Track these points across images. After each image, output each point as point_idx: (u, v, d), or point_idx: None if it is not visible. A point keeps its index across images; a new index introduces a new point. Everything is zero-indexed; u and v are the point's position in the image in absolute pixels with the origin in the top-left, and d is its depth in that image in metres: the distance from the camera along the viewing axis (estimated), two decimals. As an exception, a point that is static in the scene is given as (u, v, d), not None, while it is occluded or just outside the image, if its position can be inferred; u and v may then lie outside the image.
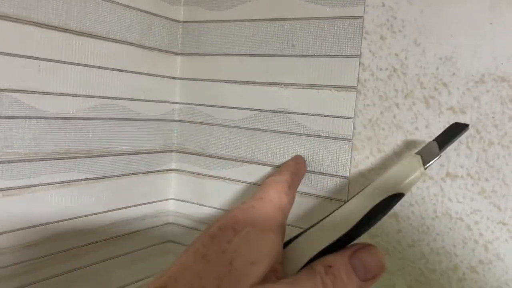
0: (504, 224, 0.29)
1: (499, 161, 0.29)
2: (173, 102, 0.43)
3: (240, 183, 0.40)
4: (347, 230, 0.25)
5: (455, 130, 0.27)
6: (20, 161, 0.30)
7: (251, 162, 0.39)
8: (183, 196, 0.43)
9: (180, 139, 0.43)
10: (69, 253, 0.34)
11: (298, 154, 0.37)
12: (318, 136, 0.36)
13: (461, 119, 0.30)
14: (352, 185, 0.34)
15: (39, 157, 0.31)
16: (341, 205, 0.26)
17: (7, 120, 0.29)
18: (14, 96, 0.29)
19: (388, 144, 0.33)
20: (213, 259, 0.23)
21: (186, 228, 0.43)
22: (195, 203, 0.43)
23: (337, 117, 0.35)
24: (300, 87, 0.36)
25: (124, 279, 0.40)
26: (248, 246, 0.23)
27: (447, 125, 0.30)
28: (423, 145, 0.28)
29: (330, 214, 0.26)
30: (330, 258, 0.24)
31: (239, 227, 0.24)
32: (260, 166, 0.39)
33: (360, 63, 0.34)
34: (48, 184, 0.32)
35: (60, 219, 0.33)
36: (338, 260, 0.24)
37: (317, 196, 0.36)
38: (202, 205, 0.42)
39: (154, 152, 0.41)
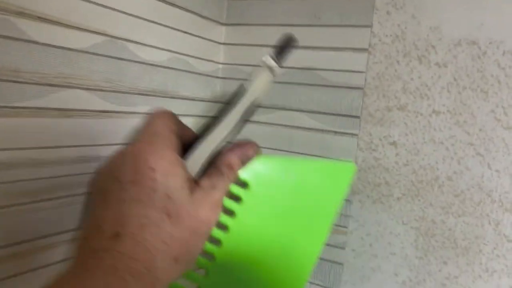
0: (471, 144, 0.42)
1: (469, 100, 0.42)
2: (218, 62, 0.54)
3: (272, 125, 0.51)
4: (228, 134, 0.32)
5: (288, 43, 0.33)
6: (127, 92, 0.41)
7: (283, 109, 0.51)
8: (224, 138, 0.55)
9: (223, 92, 0.54)
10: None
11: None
12: (337, 86, 0.48)
13: (444, 71, 0.43)
14: (362, 122, 0.47)
15: (137, 92, 0.42)
16: (218, 119, 0.32)
17: (119, 61, 0.40)
18: (124, 44, 0.40)
19: (391, 91, 0.45)
20: (149, 200, 0.27)
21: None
22: (234, 143, 0.54)
23: (353, 71, 0.47)
24: (325, 50, 0.48)
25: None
26: (171, 177, 0.28)
27: (434, 76, 0.43)
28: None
29: (214, 127, 0.32)
30: (228, 159, 0.31)
31: (155, 165, 0.28)
32: (289, 112, 0.50)
33: (371, 31, 0.46)
34: (141, 113, 0.43)
35: (146, 141, 0.44)
36: (233, 158, 0.32)
37: (335, 132, 0.48)
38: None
39: (204, 101, 0.52)
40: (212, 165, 0.32)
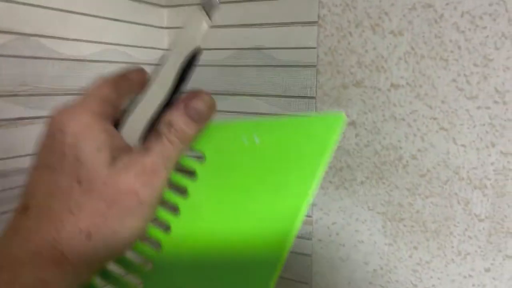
0: (434, 119, 0.38)
1: (429, 70, 0.38)
2: (163, 49, 0.50)
3: (227, 113, 0.47)
4: (167, 93, 0.28)
5: None
6: (48, 94, 0.37)
7: (234, 94, 0.47)
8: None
9: (172, 80, 0.50)
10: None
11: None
12: (288, 65, 0.43)
13: (400, 40, 0.38)
14: (318, 103, 0.43)
15: (62, 92, 0.38)
16: (154, 74, 0.29)
17: (35, 60, 0.36)
18: (39, 40, 0.36)
19: (345, 67, 0.41)
20: (59, 165, 0.24)
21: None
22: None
23: (303, 48, 0.42)
24: (272, 26, 0.44)
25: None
26: (83, 139, 0.25)
27: (390, 46, 0.39)
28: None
29: (148, 89, 0.29)
30: (168, 117, 0.27)
31: (65, 127, 0.25)
32: (243, 97, 0.46)
33: (319, 1, 0.41)
34: (70, 115, 0.39)
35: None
36: (175, 115, 0.26)
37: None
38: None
39: (151, 92, 0.48)
40: (153, 128, 0.27)
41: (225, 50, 0.46)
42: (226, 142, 0.27)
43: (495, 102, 0.35)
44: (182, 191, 0.27)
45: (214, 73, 0.47)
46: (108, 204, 0.24)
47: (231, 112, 0.47)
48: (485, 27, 0.35)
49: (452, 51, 0.37)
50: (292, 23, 0.43)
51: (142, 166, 0.25)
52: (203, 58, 0.47)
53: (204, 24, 0.28)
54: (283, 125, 0.26)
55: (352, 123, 0.41)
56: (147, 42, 0.47)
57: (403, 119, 0.39)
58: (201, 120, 0.27)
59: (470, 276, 0.38)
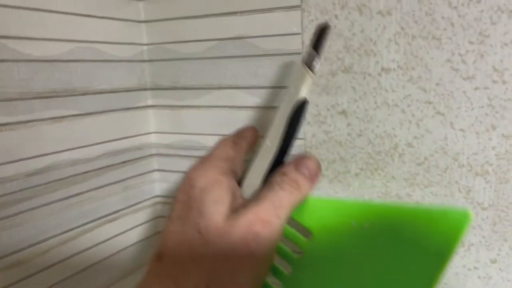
0: (430, 103, 0.35)
1: (421, 51, 0.35)
2: (141, 44, 0.47)
3: (212, 108, 0.45)
4: (278, 147, 0.30)
5: (323, 32, 0.31)
6: (15, 99, 0.35)
7: (219, 88, 0.44)
8: (163, 129, 0.48)
9: (152, 77, 0.48)
10: (67, 181, 0.39)
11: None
12: (273, 54, 0.41)
13: (388, 21, 0.36)
14: (306, 93, 0.40)
15: (31, 96, 0.36)
16: (268, 130, 0.32)
17: (-3, 63, 0.33)
18: (1, 42, 0.33)
19: (332, 52, 0.38)
20: (186, 216, 0.27)
21: (168, 157, 0.49)
22: (174, 133, 0.48)
23: (287, 34, 0.40)
24: (252, 13, 0.41)
25: (116, 205, 0.45)
26: (207, 192, 0.28)
27: (378, 28, 0.36)
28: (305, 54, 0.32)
29: (262, 143, 0.32)
30: (281, 170, 0.30)
31: (195, 182, 0.29)
32: (226, 90, 0.44)
33: (301, -16, 0.39)
34: (42, 119, 0.37)
35: (56, 150, 0.38)
36: (287, 168, 0.30)
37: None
38: (181, 133, 0.47)
39: (130, 91, 0.46)
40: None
41: (205, 41, 0.44)
42: (334, 222, 0.27)
43: (494, 81, 0.33)
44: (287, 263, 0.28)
45: (195, 66, 0.45)
46: (222, 258, 0.25)
47: (215, 107, 0.45)
48: (479, 1, 0.32)
49: (445, 29, 0.34)
50: (274, 9, 0.40)
51: (255, 215, 0.26)
52: (182, 51, 0.44)
53: (308, 78, 0.30)
54: (396, 211, 0.25)
55: (342, 112, 0.39)
56: (123, 37, 0.45)
57: (397, 105, 0.37)
58: (311, 176, 0.30)
59: (475, 268, 0.36)
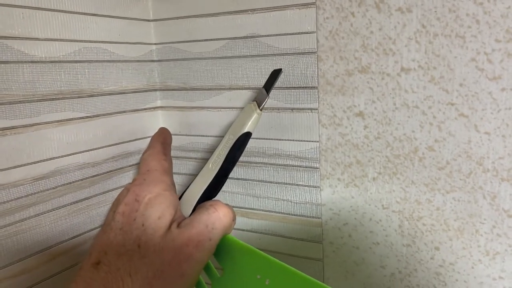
0: (452, 104, 0.34)
1: (443, 50, 0.33)
2: (150, 43, 0.46)
3: (222, 109, 0.44)
4: (217, 171, 0.34)
5: (274, 75, 0.36)
6: (19, 102, 0.33)
7: (230, 88, 0.43)
8: (172, 130, 0.47)
9: (161, 77, 0.46)
10: (75, 185, 0.38)
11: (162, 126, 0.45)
12: (286, 54, 0.39)
13: (408, 18, 0.34)
14: (321, 93, 0.38)
15: (36, 98, 0.35)
16: (212, 154, 0.35)
17: (1, 65, 0.32)
18: (4, 43, 0.32)
19: (349, 51, 0.37)
20: (128, 228, 0.28)
21: (178, 159, 0.47)
22: (184, 135, 0.46)
23: (301, 33, 0.38)
24: (265, 10, 0.39)
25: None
26: (151, 208, 0.29)
27: (398, 25, 0.34)
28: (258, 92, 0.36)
29: (205, 164, 0.35)
30: (211, 202, 0.33)
31: (140, 197, 0.30)
32: (238, 91, 0.42)
33: (316, -20, 0.37)
34: (48, 122, 0.35)
35: (63, 154, 0.37)
36: (216, 201, 0.33)
37: (292, 109, 0.40)
38: (191, 135, 0.46)
39: (139, 92, 0.44)
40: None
41: (215, 40, 0.42)
42: (243, 267, 0.29)
43: (522, 82, 0.31)
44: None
45: (205, 66, 0.43)
46: (156, 274, 0.26)
47: (226, 108, 0.43)
48: (507, -3, 0.31)
49: (469, 27, 0.32)
50: (288, 6, 0.38)
51: (188, 236, 0.28)
52: (192, 51, 0.43)
53: (256, 115, 0.35)
54: (294, 276, 0.26)
55: (359, 114, 0.37)
56: (131, 37, 0.43)
57: (417, 107, 0.35)
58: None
59: (500, 278, 0.34)
